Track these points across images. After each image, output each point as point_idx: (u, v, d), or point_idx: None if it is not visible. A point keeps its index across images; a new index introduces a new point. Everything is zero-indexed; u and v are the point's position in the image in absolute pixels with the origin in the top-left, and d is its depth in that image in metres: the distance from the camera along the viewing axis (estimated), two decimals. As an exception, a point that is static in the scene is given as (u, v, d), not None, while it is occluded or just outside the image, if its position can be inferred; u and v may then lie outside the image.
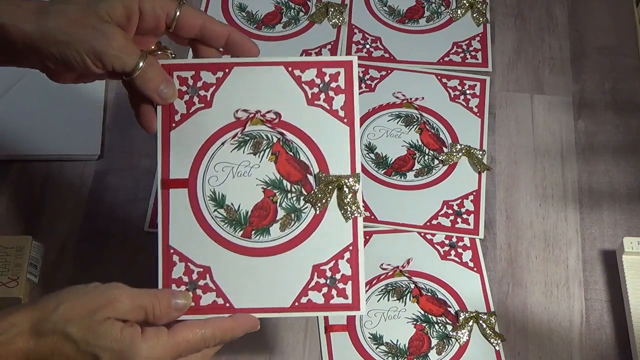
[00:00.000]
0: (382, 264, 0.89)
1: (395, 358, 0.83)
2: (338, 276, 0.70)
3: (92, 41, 0.65)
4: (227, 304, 0.69)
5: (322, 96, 0.72)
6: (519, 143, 0.99)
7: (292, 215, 0.70)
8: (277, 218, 0.70)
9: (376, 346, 0.84)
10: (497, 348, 0.84)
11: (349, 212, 0.70)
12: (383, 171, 0.95)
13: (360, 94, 0.92)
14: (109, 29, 0.65)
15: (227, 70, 0.71)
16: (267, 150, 0.71)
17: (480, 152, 0.97)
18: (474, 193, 0.95)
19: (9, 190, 0.93)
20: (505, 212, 0.94)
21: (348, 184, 0.70)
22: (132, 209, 0.91)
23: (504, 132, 1.00)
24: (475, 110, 1.01)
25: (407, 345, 0.84)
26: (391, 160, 0.96)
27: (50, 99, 0.97)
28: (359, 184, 0.71)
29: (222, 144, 0.71)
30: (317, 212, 0.71)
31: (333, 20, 1.07)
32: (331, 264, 0.70)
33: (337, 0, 1.09)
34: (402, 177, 0.95)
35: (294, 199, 0.71)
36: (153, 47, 0.73)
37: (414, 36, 1.07)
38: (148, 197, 0.92)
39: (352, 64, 0.72)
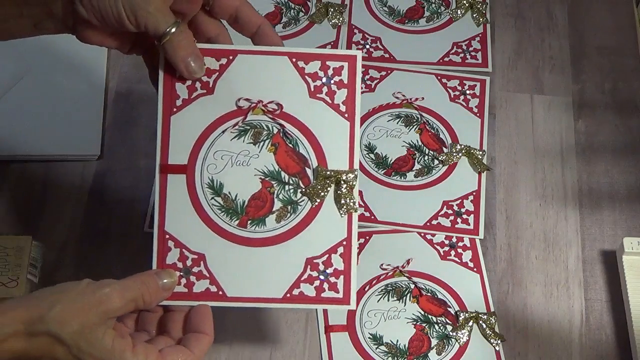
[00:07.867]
0: (382, 264, 0.89)
1: (395, 358, 0.83)
2: (330, 270, 0.70)
3: None
4: (220, 292, 0.69)
5: (325, 89, 0.72)
6: (519, 143, 0.99)
7: (289, 207, 0.71)
8: (274, 209, 0.71)
9: (376, 346, 0.84)
10: (497, 348, 0.84)
11: (344, 208, 0.71)
12: (383, 171, 0.95)
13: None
14: None
15: (230, 57, 0.71)
16: (267, 141, 0.71)
17: (480, 152, 0.97)
18: (474, 193, 0.95)
19: (9, 190, 0.93)
20: (505, 212, 0.94)
21: (345, 179, 0.70)
22: (132, 209, 0.91)
23: (504, 132, 1.00)
24: (475, 110, 1.01)
25: (407, 346, 0.84)
26: (391, 160, 0.96)
27: (50, 99, 0.97)
28: (356, 180, 0.71)
29: (223, 132, 0.71)
30: (314, 205, 0.71)
31: (333, 21, 1.07)
32: (324, 258, 0.70)
33: (337, 0, 1.09)
34: (402, 178, 0.95)
35: (291, 191, 0.71)
36: None
37: (413, 36, 1.07)
38: (148, 197, 0.92)
39: (357, 59, 0.72)
